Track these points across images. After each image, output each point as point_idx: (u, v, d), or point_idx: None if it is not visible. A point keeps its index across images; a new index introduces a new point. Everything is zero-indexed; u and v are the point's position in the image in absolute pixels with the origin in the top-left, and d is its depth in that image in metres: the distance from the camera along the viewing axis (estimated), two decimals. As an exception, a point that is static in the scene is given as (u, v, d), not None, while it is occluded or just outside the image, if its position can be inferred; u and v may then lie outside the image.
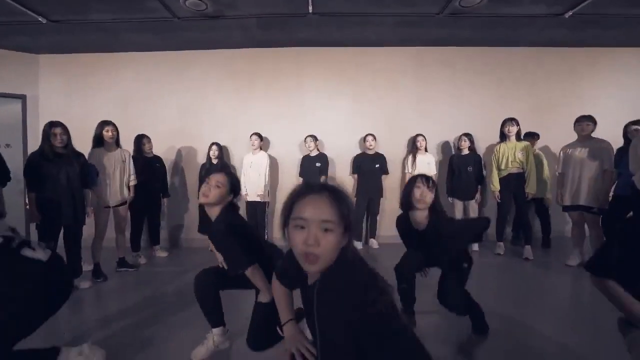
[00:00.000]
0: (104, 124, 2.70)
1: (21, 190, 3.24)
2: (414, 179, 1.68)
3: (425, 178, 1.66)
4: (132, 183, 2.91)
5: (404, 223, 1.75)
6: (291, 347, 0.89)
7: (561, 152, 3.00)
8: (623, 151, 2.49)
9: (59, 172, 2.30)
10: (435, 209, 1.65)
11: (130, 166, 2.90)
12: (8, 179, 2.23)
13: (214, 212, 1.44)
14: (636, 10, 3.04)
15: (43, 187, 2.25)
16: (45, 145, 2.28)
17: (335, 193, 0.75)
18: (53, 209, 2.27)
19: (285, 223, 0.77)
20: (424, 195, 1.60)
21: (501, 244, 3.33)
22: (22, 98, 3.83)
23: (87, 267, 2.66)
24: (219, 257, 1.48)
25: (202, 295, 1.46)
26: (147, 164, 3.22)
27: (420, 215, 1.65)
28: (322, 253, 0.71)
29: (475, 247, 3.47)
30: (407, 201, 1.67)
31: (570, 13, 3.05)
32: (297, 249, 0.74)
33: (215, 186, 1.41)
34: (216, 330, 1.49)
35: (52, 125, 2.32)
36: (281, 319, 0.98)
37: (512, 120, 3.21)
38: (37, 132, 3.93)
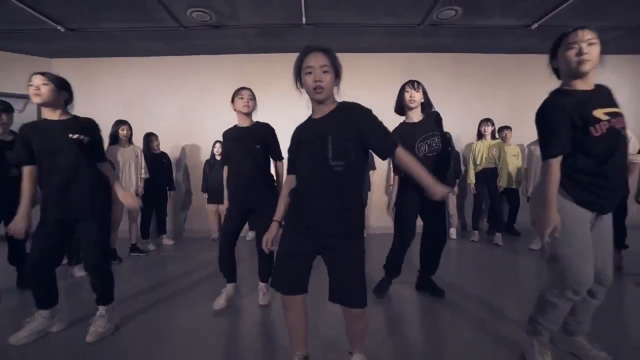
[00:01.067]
0: (120, 123, 3.01)
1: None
2: (403, 86, 1.99)
3: (412, 82, 1.97)
4: (143, 176, 3.23)
5: (400, 129, 1.98)
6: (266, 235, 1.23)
7: (527, 148, 3.36)
8: None
9: None
10: (427, 104, 1.98)
11: (142, 161, 3.23)
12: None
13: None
14: (592, 23, 3.40)
15: None
16: None
17: (326, 50, 1.12)
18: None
19: (298, 75, 1.14)
20: (412, 96, 1.93)
21: (476, 232, 3.70)
22: (37, 98, 4.11)
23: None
24: None
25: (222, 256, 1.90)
26: (155, 160, 3.53)
27: (415, 113, 1.97)
28: (324, 85, 1.09)
29: (453, 234, 3.84)
30: (400, 105, 1.98)
31: (536, 25, 3.41)
32: (308, 87, 1.10)
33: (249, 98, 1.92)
34: (229, 285, 1.89)
35: None
36: (275, 215, 1.24)
37: (487, 121, 3.57)
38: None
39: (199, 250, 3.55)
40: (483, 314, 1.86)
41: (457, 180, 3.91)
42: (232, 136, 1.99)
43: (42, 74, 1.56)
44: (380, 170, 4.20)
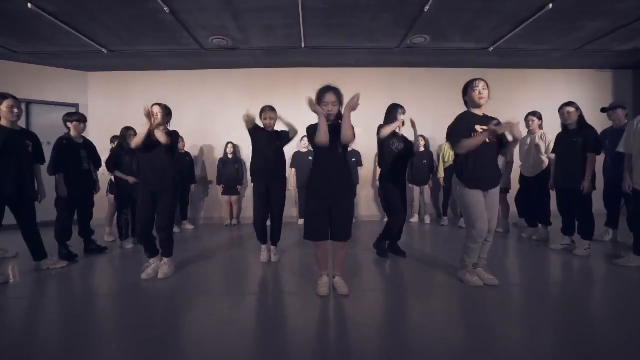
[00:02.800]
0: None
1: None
2: (399, 108, 2.79)
3: (403, 109, 2.79)
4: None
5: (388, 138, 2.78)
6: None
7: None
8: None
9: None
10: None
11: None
12: (100, 165, 3.26)
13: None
14: (537, 46, 4.20)
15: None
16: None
17: (335, 90, 1.89)
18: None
19: (318, 103, 1.88)
20: (403, 118, 2.74)
21: (445, 217, 4.48)
22: (76, 106, 4.84)
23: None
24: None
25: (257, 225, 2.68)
26: (180, 157, 4.27)
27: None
28: (334, 112, 1.87)
29: (427, 219, 4.61)
30: (391, 121, 2.77)
31: (492, 47, 4.19)
32: (324, 112, 1.85)
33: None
34: (263, 246, 2.75)
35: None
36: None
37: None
38: (87, 132, 4.93)
39: (214, 233, 4.29)
40: (444, 269, 2.59)
41: (431, 175, 4.67)
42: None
43: (159, 104, 2.37)
44: (366, 168, 4.96)
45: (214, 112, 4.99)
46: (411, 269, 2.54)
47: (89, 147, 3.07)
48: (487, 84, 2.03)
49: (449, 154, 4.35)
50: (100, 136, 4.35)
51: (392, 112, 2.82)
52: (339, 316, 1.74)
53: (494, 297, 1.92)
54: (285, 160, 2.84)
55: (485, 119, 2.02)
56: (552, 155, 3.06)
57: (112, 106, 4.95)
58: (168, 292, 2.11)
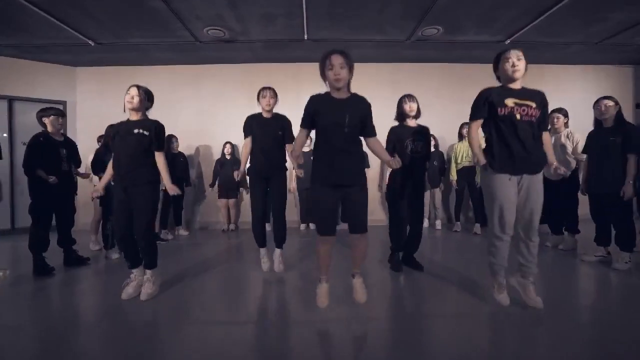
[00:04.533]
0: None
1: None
2: (403, 98, 2.47)
3: (409, 96, 2.47)
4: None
5: (397, 130, 2.46)
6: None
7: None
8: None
9: None
10: (418, 114, 2.47)
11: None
12: (80, 164, 2.97)
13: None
14: (555, 39, 3.92)
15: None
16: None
17: (343, 53, 1.61)
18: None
19: (323, 69, 1.62)
20: (412, 107, 2.42)
21: (458, 223, 4.18)
22: (63, 103, 4.55)
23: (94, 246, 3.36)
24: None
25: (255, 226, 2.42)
26: (173, 159, 3.97)
27: (412, 122, 2.46)
28: (343, 77, 1.59)
29: (439, 225, 4.31)
30: (400, 113, 2.46)
31: (508, 40, 3.91)
32: (330, 79, 1.60)
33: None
34: (262, 250, 2.45)
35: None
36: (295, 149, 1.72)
37: (468, 124, 4.05)
38: (75, 132, 4.67)
39: (210, 239, 3.99)
40: (459, 284, 2.29)
41: (442, 178, 4.38)
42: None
43: (137, 87, 2.00)
44: (374, 169, 4.67)
45: (211, 111, 4.70)
46: (423, 284, 2.25)
47: (69, 146, 2.77)
48: (523, 54, 1.72)
49: (462, 155, 4.06)
50: (89, 136, 4.07)
51: (399, 105, 2.50)
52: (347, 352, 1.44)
53: (524, 323, 1.62)
54: (286, 152, 2.51)
55: (524, 94, 1.71)
56: (583, 157, 2.77)
57: (103, 104, 4.65)
58: (151, 319, 1.81)
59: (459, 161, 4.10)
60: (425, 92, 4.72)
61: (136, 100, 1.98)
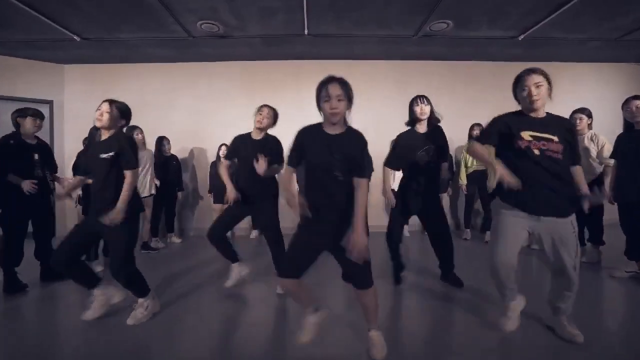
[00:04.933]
0: (134, 128, 3.21)
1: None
2: (414, 99, 2.24)
3: (421, 97, 2.22)
4: (155, 181, 3.45)
5: (404, 137, 2.27)
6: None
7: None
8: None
9: None
10: (432, 118, 2.23)
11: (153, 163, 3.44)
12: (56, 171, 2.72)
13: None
14: (572, 35, 3.68)
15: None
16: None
17: (343, 82, 1.36)
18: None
19: (318, 102, 1.37)
20: (423, 110, 2.18)
21: (468, 230, 3.93)
22: (50, 103, 4.31)
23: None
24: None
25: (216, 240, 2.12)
26: (165, 162, 3.74)
27: (422, 125, 2.23)
28: (340, 111, 1.34)
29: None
30: (412, 116, 2.22)
31: (522, 36, 3.67)
32: (326, 112, 1.35)
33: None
34: (234, 265, 2.16)
35: None
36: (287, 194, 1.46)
37: (478, 125, 3.81)
38: (62, 133, 4.43)
39: (204, 248, 3.73)
40: (475, 301, 2.07)
41: (450, 182, 4.14)
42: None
43: (110, 102, 1.77)
44: (377, 172, 4.42)
45: (207, 111, 4.45)
46: (429, 302, 2.03)
47: (43, 149, 2.53)
48: (545, 76, 1.48)
49: (472, 158, 3.82)
50: (77, 138, 3.81)
51: (410, 107, 2.26)
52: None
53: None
54: (276, 178, 2.28)
55: (545, 124, 1.48)
56: (611, 162, 2.53)
57: (92, 104, 4.32)
58: (131, 346, 1.57)
59: (468, 165, 3.86)
60: (433, 92, 4.47)
61: (105, 117, 1.74)
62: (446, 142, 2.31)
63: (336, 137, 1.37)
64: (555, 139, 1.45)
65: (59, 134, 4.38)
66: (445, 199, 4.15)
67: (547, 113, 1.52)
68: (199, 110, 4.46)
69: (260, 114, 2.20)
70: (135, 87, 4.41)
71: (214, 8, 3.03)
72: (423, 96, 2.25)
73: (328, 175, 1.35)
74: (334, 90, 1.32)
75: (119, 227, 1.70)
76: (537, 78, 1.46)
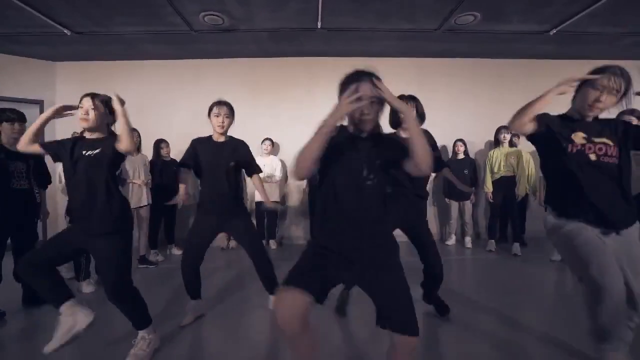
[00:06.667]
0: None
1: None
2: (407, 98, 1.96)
3: (408, 97, 1.95)
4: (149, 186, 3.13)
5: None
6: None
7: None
8: None
9: None
10: (420, 117, 1.97)
11: (147, 169, 3.13)
12: (49, 182, 2.43)
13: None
14: (610, 29, 3.36)
15: None
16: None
17: (373, 78, 1.05)
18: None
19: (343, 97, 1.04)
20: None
21: (492, 241, 3.62)
22: (40, 103, 4.00)
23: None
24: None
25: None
26: (164, 167, 3.42)
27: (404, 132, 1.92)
28: (369, 117, 1.07)
29: (468, 243, 3.76)
30: (394, 119, 1.92)
31: (554, 31, 3.35)
32: (355, 115, 1.07)
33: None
34: (192, 303, 1.95)
35: None
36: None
37: (506, 128, 3.50)
38: (53, 135, 4.11)
39: (208, 260, 3.42)
40: (501, 332, 1.78)
41: (473, 188, 3.83)
42: None
43: (92, 97, 1.47)
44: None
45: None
46: (452, 332, 1.68)
47: (30, 158, 2.22)
48: (625, 80, 1.24)
49: (498, 163, 3.51)
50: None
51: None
52: None
53: None
54: (242, 187, 2.04)
55: (597, 127, 1.30)
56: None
57: (86, 104, 4.09)
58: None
59: (495, 170, 3.54)
60: (453, 91, 4.19)
61: (92, 115, 1.45)
62: (435, 145, 2.00)
63: (367, 140, 1.13)
64: (611, 143, 1.28)
65: (50, 135, 4.05)
66: (467, 207, 3.84)
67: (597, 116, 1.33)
68: (201, 111, 4.12)
69: (217, 116, 1.90)
70: (133, 87, 4.09)
71: (219, -3, 2.71)
72: (410, 96, 1.96)
73: (358, 184, 1.09)
74: (365, 89, 1.03)
75: (111, 250, 1.44)
76: (617, 83, 1.24)
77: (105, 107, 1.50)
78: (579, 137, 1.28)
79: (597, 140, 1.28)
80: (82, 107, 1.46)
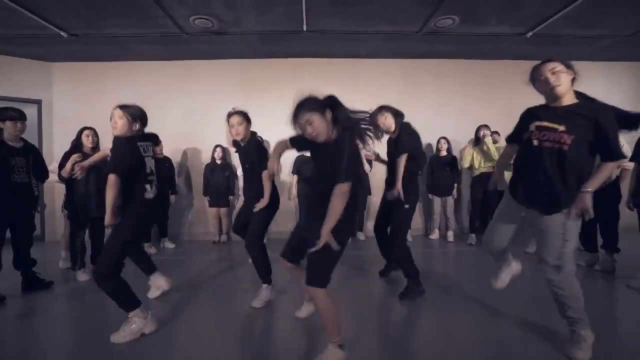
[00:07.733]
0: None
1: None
2: (377, 110, 2.17)
3: (385, 107, 2.18)
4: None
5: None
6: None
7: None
8: None
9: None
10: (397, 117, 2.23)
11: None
12: (47, 176, 2.57)
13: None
14: (585, 31, 3.51)
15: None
16: None
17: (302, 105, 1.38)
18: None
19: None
20: (384, 124, 2.16)
21: (473, 235, 3.77)
22: (38, 103, 4.13)
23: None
24: None
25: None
26: (157, 164, 3.54)
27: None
28: (318, 133, 1.36)
29: (450, 237, 3.92)
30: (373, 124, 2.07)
31: (530, 33, 3.50)
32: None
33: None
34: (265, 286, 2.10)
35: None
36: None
37: (486, 127, 3.66)
38: (50, 134, 4.26)
39: (199, 254, 3.58)
40: (479, 313, 1.93)
41: (455, 184, 3.98)
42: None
43: (121, 107, 1.67)
44: (381, 175, 4.26)
45: (201, 111, 4.28)
46: (435, 315, 1.84)
47: (30, 153, 2.37)
48: (561, 62, 1.36)
49: (479, 160, 3.66)
50: (67, 138, 3.63)
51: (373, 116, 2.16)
52: None
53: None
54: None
55: (563, 114, 1.34)
56: (630, 165, 2.37)
57: (82, 103, 4.24)
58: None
59: (476, 167, 3.70)
60: (440, 90, 4.34)
61: (120, 124, 1.66)
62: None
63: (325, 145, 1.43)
64: (561, 128, 1.32)
65: (48, 134, 4.21)
66: (449, 203, 3.99)
67: (580, 100, 1.38)
68: (193, 110, 4.29)
69: (232, 127, 2.13)
70: (127, 86, 4.23)
71: (207, 1, 2.85)
72: (382, 108, 2.21)
73: (327, 177, 1.39)
74: (303, 118, 1.40)
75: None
76: (552, 64, 1.36)
77: (132, 116, 1.74)
78: (533, 125, 1.40)
79: (547, 125, 1.34)
80: (112, 118, 1.72)
